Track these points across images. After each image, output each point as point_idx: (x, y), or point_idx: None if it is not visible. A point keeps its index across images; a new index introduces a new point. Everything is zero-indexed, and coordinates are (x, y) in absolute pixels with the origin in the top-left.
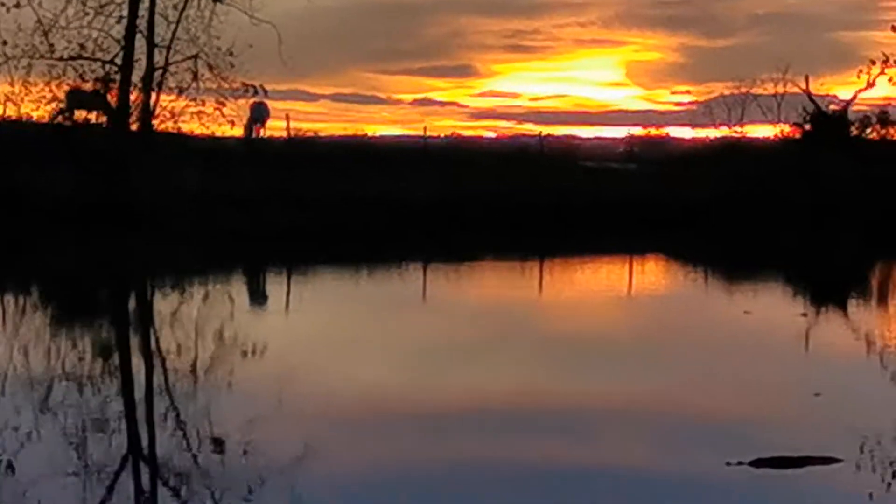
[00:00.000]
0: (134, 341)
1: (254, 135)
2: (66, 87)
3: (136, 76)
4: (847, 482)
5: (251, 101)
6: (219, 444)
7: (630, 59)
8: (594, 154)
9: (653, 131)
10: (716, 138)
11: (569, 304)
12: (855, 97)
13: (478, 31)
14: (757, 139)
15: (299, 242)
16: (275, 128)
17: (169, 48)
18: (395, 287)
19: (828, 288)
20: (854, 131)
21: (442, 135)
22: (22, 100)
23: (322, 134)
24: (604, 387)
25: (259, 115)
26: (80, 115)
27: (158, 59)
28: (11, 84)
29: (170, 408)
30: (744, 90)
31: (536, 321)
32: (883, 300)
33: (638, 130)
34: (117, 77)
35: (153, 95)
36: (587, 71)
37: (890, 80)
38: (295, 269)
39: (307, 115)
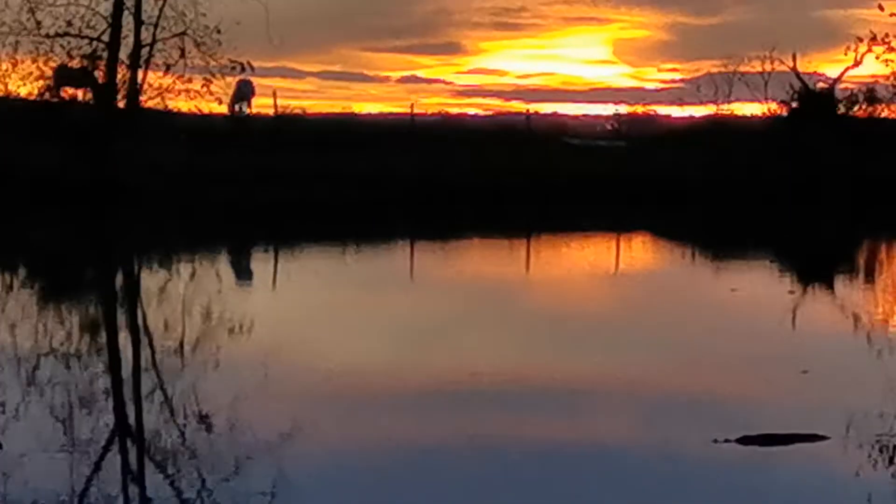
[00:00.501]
0: (119, 318)
1: (239, 112)
2: (53, 64)
3: (124, 53)
4: (834, 459)
5: (237, 78)
6: (205, 421)
7: (617, 36)
8: (581, 132)
9: (640, 109)
10: (703, 116)
11: (555, 282)
12: (842, 75)
13: (465, 9)
14: (744, 117)
15: (285, 219)
16: (262, 105)
17: (156, 25)
18: (381, 264)
19: (815, 265)
20: (841, 109)
21: (429, 112)
22: (9, 77)
23: (309, 111)
24: (590, 365)
25: (244, 92)
26: (67, 91)
27: (146, 36)
28: None
29: (156, 385)
30: (731, 68)
31: (523, 299)
32: (870, 277)
33: (625, 108)
34: (104, 54)
35: (140, 72)
36: (574, 49)
37: (877, 57)
38: (281, 247)
39: (294, 92)
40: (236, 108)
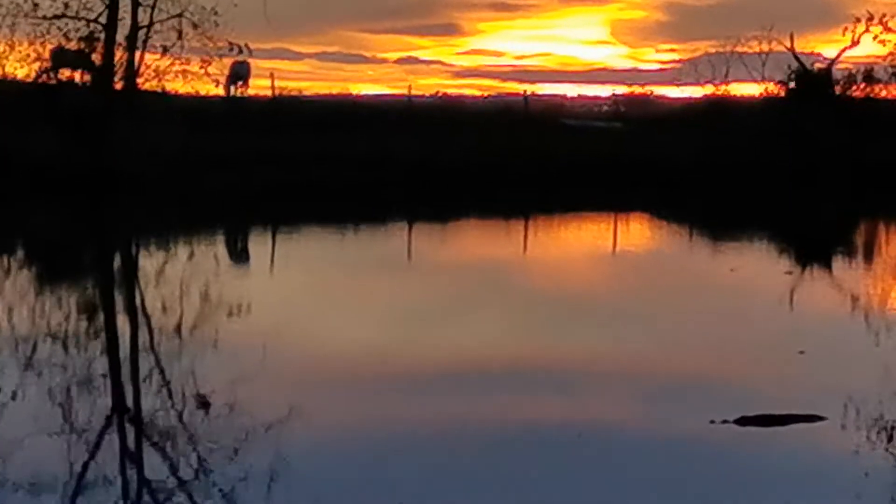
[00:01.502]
0: (117, 301)
1: (236, 93)
2: (50, 46)
3: (121, 35)
4: (832, 440)
5: (233, 60)
6: (203, 403)
7: (615, 17)
8: (579, 113)
9: (637, 90)
10: (701, 97)
11: (553, 263)
12: (840, 55)
13: None
14: (742, 97)
15: (283, 201)
16: (259, 87)
17: (153, 7)
18: (380, 246)
19: (813, 246)
20: (839, 89)
21: (427, 94)
22: (6, 59)
23: (307, 93)
24: (588, 346)
25: (240, 73)
26: (64, 74)
27: (143, 17)
28: None
29: (154, 367)
30: (729, 48)
31: (521, 281)
32: (868, 258)
33: (623, 89)
34: (102, 36)
35: (137, 54)
36: (572, 29)
37: (875, 38)
38: (279, 229)
39: (292, 73)
40: (232, 89)
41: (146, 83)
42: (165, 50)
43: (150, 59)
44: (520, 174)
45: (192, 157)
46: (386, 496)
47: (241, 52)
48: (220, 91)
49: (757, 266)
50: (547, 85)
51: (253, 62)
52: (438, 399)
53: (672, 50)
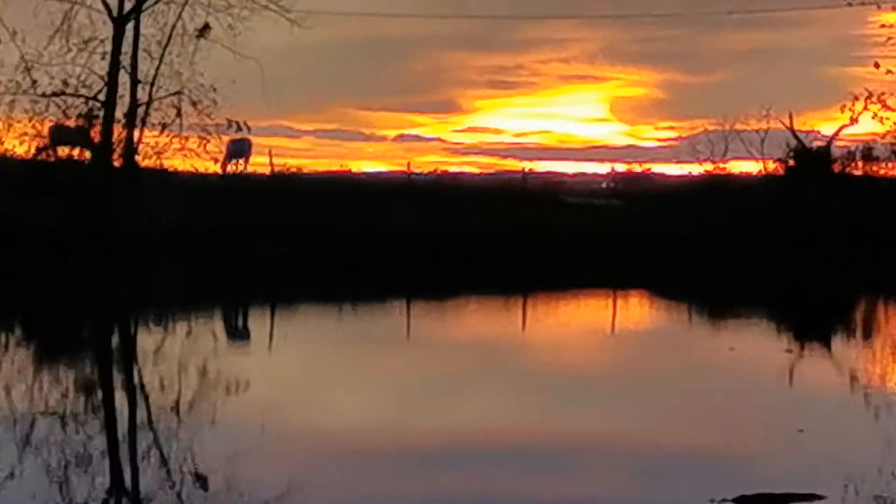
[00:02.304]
0: (116, 378)
1: (234, 170)
2: (49, 123)
3: (120, 112)
4: None
5: (231, 137)
6: (202, 481)
7: (613, 94)
8: (578, 190)
9: (636, 167)
10: (699, 174)
11: (552, 342)
12: (838, 133)
13: (460, 67)
14: (741, 175)
15: (282, 279)
16: (258, 164)
17: (152, 84)
18: (379, 324)
19: (812, 324)
20: (838, 167)
21: (425, 171)
22: (5, 136)
23: (306, 170)
24: (588, 423)
25: (240, 150)
26: (63, 151)
27: (142, 95)
28: None
29: (152, 445)
30: (727, 126)
31: (520, 359)
32: (867, 336)
33: (621, 166)
34: (100, 113)
35: (136, 131)
36: (570, 107)
37: (873, 115)
38: (278, 305)
39: (291, 150)
40: (230, 166)
41: (145, 160)
42: (164, 127)
43: (149, 137)
44: (518, 251)
45: (190, 231)
46: None
47: (239, 129)
48: (219, 168)
49: (756, 344)
50: (545, 162)
51: (252, 139)
52: (436, 476)
53: (671, 127)
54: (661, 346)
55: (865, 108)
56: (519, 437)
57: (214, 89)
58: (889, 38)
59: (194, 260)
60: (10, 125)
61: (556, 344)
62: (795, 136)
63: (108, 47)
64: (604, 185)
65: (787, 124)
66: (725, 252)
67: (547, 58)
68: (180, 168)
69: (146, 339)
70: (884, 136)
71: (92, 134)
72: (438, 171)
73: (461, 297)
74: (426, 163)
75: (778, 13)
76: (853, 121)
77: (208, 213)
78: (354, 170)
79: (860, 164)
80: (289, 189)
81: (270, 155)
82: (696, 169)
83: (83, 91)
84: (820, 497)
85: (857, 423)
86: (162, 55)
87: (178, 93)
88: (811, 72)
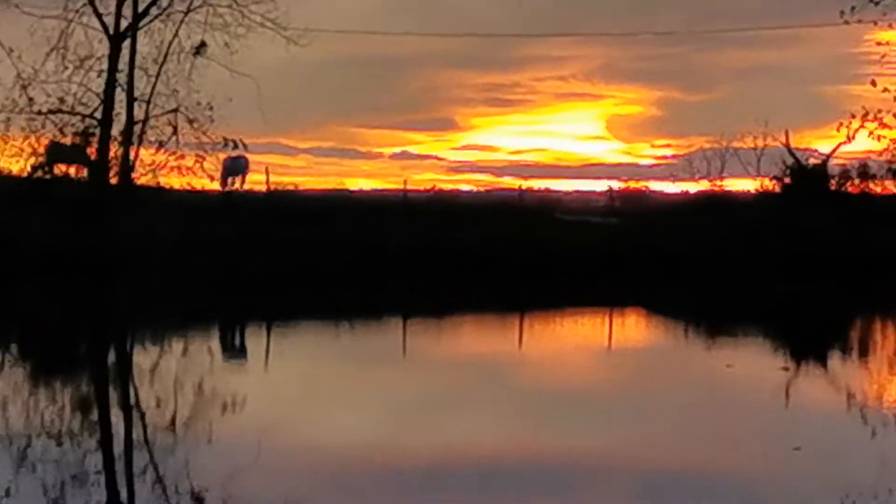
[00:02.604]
0: (113, 396)
1: (232, 188)
2: (45, 141)
3: (116, 130)
4: None
5: (228, 154)
6: (199, 500)
7: (610, 112)
8: (574, 207)
9: (633, 185)
10: (696, 192)
11: (549, 359)
12: (835, 151)
13: (457, 85)
14: (737, 193)
15: (279, 296)
16: (255, 181)
17: (149, 102)
18: (375, 342)
19: (809, 341)
20: (834, 185)
21: (422, 188)
22: (1, 153)
23: (302, 188)
24: (584, 442)
25: (237, 168)
26: (59, 168)
27: (138, 112)
28: None
29: (149, 463)
30: (724, 144)
31: (517, 377)
32: (863, 354)
33: (618, 184)
34: (97, 131)
35: (133, 149)
36: (567, 124)
37: (870, 133)
38: (275, 323)
39: (287, 168)
40: (228, 182)
41: (141, 178)
42: (161, 145)
43: (146, 154)
44: (515, 269)
45: (187, 249)
46: None
47: (236, 146)
48: (215, 186)
49: (753, 362)
50: (542, 180)
51: (249, 156)
52: (433, 496)
53: (667, 145)
54: (658, 364)
55: (862, 126)
56: (516, 456)
57: (211, 107)
58: (885, 56)
59: (191, 277)
60: (6, 143)
61: (553, 362)
62: (792, 154)
63: (105, 65)
64: (601, 202)
65: (784, 142)
66: (722, 270)
67: (544, 75)
68: (176, 186)
69: (143, 357)
70: (881, 153)
71: (88, 151)
72: (435, 189)
73: (458, 314)
74: (423, 180)
75: (774, 31)
76: (850, 139)
77: (205, 231)
78: (351, 187)
79: (856, 181)
80: (285, 206)
81: (267, 173)
82: (692, 187)
83: (80, 109)
84: None
85: (853, 441)
86: (158, 73)
87: (174, 110)
88: (807, 89)
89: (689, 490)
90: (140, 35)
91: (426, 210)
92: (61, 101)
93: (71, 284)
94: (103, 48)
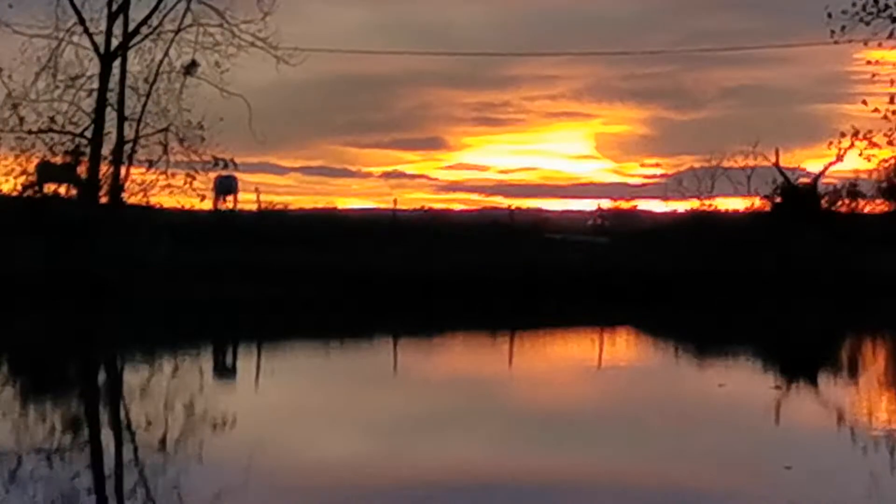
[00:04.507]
0: (103, 416)
1: (224, 207)
2: (35, 160)
3: (107, 149)
4: None
5: (219, 173)
6: None
7: (599, 131)
8: (564, 227)
9: (623, 204)
10: (686, 211)
11: (539, 379)
12: (825, 170)
13: (447, 104)
14: (727, 212)
15: (269, 315)
16: (245, 201)
17: (139, 121)
18: (366, 362)
19: (799, 361)
20: (824, 204)
21: (412, 208)
22: None
23: (292, 207)
24: (575, 462)
25: (228, 187)
26: (49, 187)
27: (129, 131)
28: None
29: (139, 482)
30: (714, 163)
31: (507, 397)
32: (853, 372)
33: (608, 203)
34: (87, 150)
35: (123, 168)
36: (557, 143)
37: (860, 153)
38: (264, 343)
39: (277, 187)
40: (219, 202)
41: (131, 197)
42: (151, 164)
43: (136, 173)
44: (505, 288)
45: (177, 268)
46: None
47: (226, 166)
48: (205, 205)
49: (744, 381)
50: (532, 199)
51: (239, 176)
52: None
53: (657, 164)
54: (650, 383)
55: (852, 146)
56: (507, 476)
57: (201, 126)
58: (874, 75)
59: (180, 296)
60: None
61: (544, 381)
62: (782, 173)
63: (95, 84)
64: (590, 222)
65: (774, 161)
66: (712, 289)
67: (534, 94)
68: (166, 205)
69: (133, 377)
70: (870, 173)
71: (79, 171)
72: (425, 208)
73: (448, 334)
74: (412, 200)
75: (764, 50)
76: (839, 158)
77: (195, 250)
78: (341, 207)
79: (846, 200)
80: (276, 226)
81: (258, 192)
82: (682, 206)
83: (70, 128)
84: None
85: (844, 460)
86: (149, 92)
87: (164, 130)
88: (797, 109)
89: None
90: (131, 54)
91: (416, 229)
92: (52, 119)
93: (60, 304)
94: (94, 67)
